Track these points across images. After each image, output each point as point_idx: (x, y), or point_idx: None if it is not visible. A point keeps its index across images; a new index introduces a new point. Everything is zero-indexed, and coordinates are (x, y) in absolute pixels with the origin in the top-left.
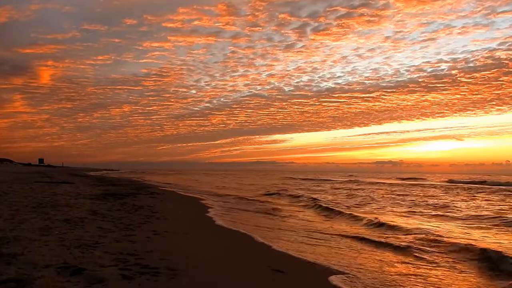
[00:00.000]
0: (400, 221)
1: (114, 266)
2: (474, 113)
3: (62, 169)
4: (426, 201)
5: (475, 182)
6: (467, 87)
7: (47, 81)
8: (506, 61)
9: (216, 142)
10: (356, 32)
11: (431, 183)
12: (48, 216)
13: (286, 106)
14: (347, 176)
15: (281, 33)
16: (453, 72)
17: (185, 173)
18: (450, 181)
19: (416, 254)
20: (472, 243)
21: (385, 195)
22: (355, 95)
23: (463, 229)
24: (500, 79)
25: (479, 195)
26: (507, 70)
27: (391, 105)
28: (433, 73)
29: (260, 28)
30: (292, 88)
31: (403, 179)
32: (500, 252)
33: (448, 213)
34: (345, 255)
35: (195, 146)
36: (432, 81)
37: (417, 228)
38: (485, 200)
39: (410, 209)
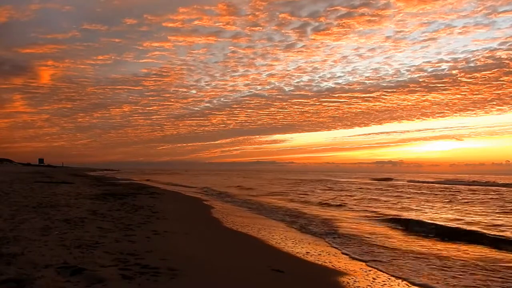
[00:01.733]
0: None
1: (114, 266)
2: (475, 113)
3: (62, 169)
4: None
5: (430, 182)
6: (467, 87)
7: (47, 81)
8: (507, 61)
9: (216, 142)
10: (357, 31)
11: (388, 182)
12: (48, 216)
13: (286, 106)
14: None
15: (281, 33)
16: (454, 72)
17: (171, 172)
18: (410, 181)
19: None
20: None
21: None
22: (356, 95)
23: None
24: (501, 79)
25: (401, 193)
26: (507, 70)
27: (391, 105)
28: (434, 73)
29: (261, 28)
30: (292, 88)
31: (374, 179)
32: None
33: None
34: None
35: (195, 146)
36: (433, 81)
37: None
38: (393, 196)
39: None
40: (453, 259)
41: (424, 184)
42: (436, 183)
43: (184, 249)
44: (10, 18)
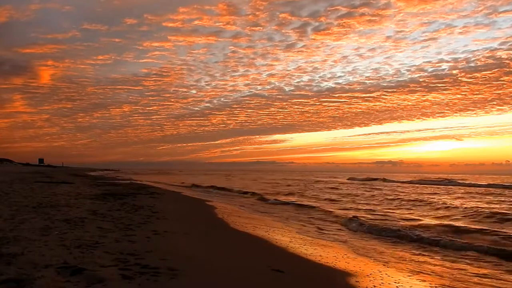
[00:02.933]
0: None
1: (114, 266)
2: (475, 113)
3: (62, 169)
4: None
5: (414, 182)
6: (468, 87)
7: (47, 81)
8: (507, 61)
9: (216, 142)
10: (357, 31)
11: (361, 182)
12: (48, 216)
13: (287, 106)
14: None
15: (281, 33)
16: (454, 72)
17: (161, 172)
18: (384, 179)
19: None
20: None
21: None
22: (356, 95)
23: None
24: (501, 79)
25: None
26: (508, 70)
27: (391, 105)
28: (434, 73)
29: (261, 28)
30: (292, 88)
31: (351, 178)
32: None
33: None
34: None
35: (195, 146)
36: (433, 81)
37: None
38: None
39: None
40: None
41: (395, 184)
42: (408, 183)
43: (184, 249)
44: (10, 18)
